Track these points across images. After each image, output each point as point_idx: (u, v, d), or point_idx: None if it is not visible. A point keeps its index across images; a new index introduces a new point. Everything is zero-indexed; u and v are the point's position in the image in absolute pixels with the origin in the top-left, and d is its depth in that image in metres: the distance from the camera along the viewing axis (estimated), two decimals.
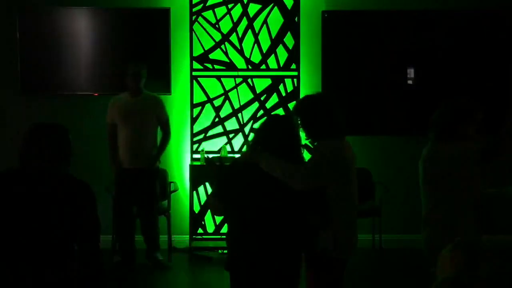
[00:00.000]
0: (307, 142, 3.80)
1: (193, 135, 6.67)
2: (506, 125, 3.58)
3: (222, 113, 6.70)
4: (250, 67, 6.66)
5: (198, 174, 6.49)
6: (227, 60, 6.66)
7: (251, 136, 6.48)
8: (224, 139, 6.71)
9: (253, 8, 6.63)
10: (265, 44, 6.66)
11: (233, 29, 6.64)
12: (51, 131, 3.23)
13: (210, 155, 6.56)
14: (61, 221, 3.13)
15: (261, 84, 6.69)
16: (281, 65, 6.66)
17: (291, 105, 6.63)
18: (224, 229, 6.55)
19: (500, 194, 3.99)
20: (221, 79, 6.67)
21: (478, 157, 3.63)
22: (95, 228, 3.20)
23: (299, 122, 3.73)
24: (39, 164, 3.17)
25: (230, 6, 6.62)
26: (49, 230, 3.13)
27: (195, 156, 6.64)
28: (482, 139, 3.70)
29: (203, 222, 6.66)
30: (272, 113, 6.58)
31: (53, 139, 3.21)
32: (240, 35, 6.65)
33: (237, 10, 6.63)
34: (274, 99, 6.69)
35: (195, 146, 6.68)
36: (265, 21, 6.64)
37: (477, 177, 3.75)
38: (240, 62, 6.67)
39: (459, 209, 3.72)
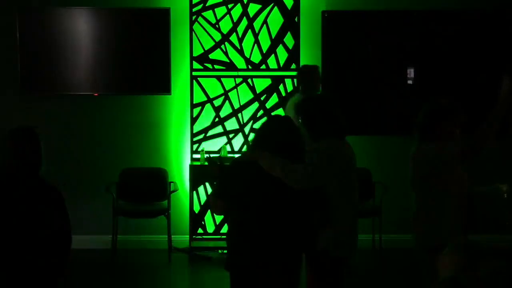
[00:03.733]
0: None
1: (193, 135, 6.67)
2: (487, 119, 3.58)
3: (222, 113, 6.70)
4: (250, 67, 6.66)
5: (198, 174, 6.49)
6: (227, 60, 6.66)
7: (251, 136, 6.49)
8: (224, 139, 6.71)
9: (253, 8, 6.63)
10: (265, 44, 6.66)
11: (233, 29, 6.64)
12: (29, 136, 3.29)
13: (211, 155, 6.57)
14: (36, 223, 3.20)
15: (261, 84, 6.69)
16: (281, 65, 6.66)
17: None
18: (224, 229, 6.55)
19: (489, 191, 3.99)
20: (221, 79, 6.68)
21: (459, 156, 3.62)
22: (66, 229, 3.30)
23: (299, 121, 3.74)
24: (20, 170, 3.23)
25: (230, 6, 6.62)
26: (26, 232, 3.20)
27: (195, 156, 6.64)
28: (463, 138, 3.70)
29: (203, 222, 6.65)
30: (273, 113, 6.60)
31: (33, 144, 3.28)
32: (240, 35, 6.65)
33: (237, 10, 6.63)
34: (274, 99, 6.69)
35: (195, 146, 6.68)
36: (265, 21, 6.64)
37: (462, 176, 3.75)
38: (240, 62, 6.67)
39: (445, 209, 3.71)
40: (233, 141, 6.72)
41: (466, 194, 3.77)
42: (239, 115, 6.70)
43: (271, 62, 6.67)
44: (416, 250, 3.85)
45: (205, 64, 6.65)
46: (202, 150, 6.57)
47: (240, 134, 6.71)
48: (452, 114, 3.76)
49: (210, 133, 6.71)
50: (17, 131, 3.31)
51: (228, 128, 6.71)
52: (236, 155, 6.47)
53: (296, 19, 6.61)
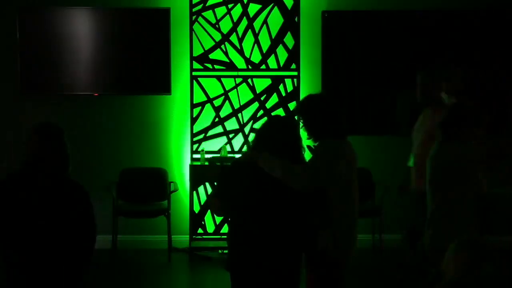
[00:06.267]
0: (308, 142, 3.80)
1: (193, 135, 6.67)
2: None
3: (222, 113, 6.70)
4: (250, 67, 6.66)
5: (198, 174, 6.49)
6: (227, 60, 6.66)
7: (251, 136, 6.49)
8: (224, 139, 6.71)
9: (253, 8, 6.63)
10: (265, 44, 6.66)
11: (233, 29, 6.64)
12: (53, 133, 3.29)
13: (211, 155, 6.57)
14: (63, 223, 3.22)
15: (261, 84, 6.69)
16: (281, 65, 6.66)
17: (291, 105, 6.63)
18: (224, 229, 6.55)
19: (505, 194, 4.00)
20: (221, 79, 6.68)
21: (483, 159, 3.65)
22: (91, 228, 3.31)
23: (301, 121, 3.74)
24: (46, 169, 3.24)
25: (230, 6, 6.62)
26: (53, 232, 3.20)
27: (195, 156, 6.64)
28: (488, 140, 3.73)
29: (203, 222, 6.66)
30: (273, 114, 6.60)
31: (58, 142, 3.28)
32: (240, 35, 6.65)
33: (237, 10, 6.63)
34: (274, 99, 6.69)
35: (195, 146, 6.68)
36: (265, 21, 6.64)
37: (482, 178, 3.77)
38: (240, 62, 6.67)
39: (463, 210, 3.73)
40: (233, 141, 6.72)
41: (484, 196, 3.79)
42: (239, 115, 6.70)
43: (271, 62, 6.67)
44: (428, 250, 3.85)
45: (205, 64, 6.65)
46: (202, 150, 6.57)
47: (240, 134, 6.71)
48: (477, 116, 3.79)
49: (210, 133, 6.71)
50: (43, 127, 3.32)
51: (228, 128, 6.71)
52: (236, 155, 6.48)
53: (296, 19, 6.61)
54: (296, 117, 3.86)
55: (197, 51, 6.63)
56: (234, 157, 6.25)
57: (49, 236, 3.25)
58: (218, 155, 6.55)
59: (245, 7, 6.62)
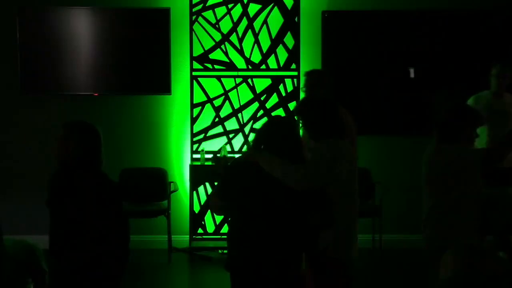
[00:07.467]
0: (308, 142, 3.80)
1: (193, 135, 6.67)
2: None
3: (222, 113, 6.70)
4: (250, 67, 6.66)
5: (198, 174, 6.49)
6: (227, 60, 6.66)
7: (251, 136, 6.49)
8: (224, 139, 6.71)
9: (253, 8, 6.64)
10: (265, 44, 6.66)
11: (233, 29, 6.65)
12: (93, 131, 3.37)
13: (211, 155, 6.57)
14: (103, 215, 3.26)
15: (261, 84, 6.70)
16: (281, 65, 6.66)
17: (291, 105, 6.64)
18: (224, 229, 6.55)
19: (501, 195, 4.01)
20: (221, 79, 6.68)
21: (480, 160, 3.65)
22: (124, 221, 3.45)
23: (300, 122, 3.74)
24: (86, 163, 3.28)
25: (230, 6, 6.62)
26: (95, 222, 3.33)
27: (195, 156, 6.64)
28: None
29: (203, 222, 6.66)
30: (273, 114, 6.60)
31: (97, 139, 3.37)
32: (240, 35, 6.65)
33: (237, 10, 6.63)
34: (274, 99, 6.70)
35: (195, 146, 6.68)
36: (265, 21, 6.64)
37: (479, 179, 3.77)
38: (240, 62, 6.67)
39: (460, 210, 3.73)
40: (233, 141, 6.72)
41: (481, 196, 3.79)
42: (239, 115, 6.70)
43: (271, 62, 6.67)
44: (426, 250, 3.85)
45: (205, 64, 6.66)
46: (202, 150, 6.57)
47: (240, 134, 6.71)
48: (474, 117, 3.79)
49: (210, 133, 6.71)
50: (82, 125, 3.39)
51: (228, 128, 6.71)
52: (236, 155, 6.47)
53: (296, 19, 6.61)
54: (296, 117, 3.86)
55: (197, 51, 6.63)
56: (234, 157, 6.24)
57: (79, 228, 3.29)
58: (218, 155, 6.55)
59: (245, 7, 6.62)
